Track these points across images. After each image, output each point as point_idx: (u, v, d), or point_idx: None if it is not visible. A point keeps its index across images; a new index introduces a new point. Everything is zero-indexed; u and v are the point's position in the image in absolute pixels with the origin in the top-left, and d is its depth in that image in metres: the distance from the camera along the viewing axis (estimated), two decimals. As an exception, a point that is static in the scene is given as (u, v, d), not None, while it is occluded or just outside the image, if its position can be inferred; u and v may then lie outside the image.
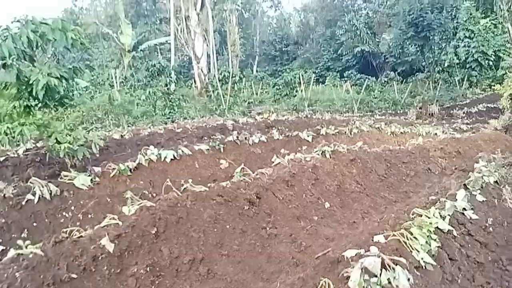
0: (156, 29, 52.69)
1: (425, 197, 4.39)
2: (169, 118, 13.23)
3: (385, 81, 25.14)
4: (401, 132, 10.03)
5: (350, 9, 48.64)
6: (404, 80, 28.83)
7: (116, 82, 18.38)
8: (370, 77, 30.58)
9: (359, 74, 36.01)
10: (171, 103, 13.66)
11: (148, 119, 12.10)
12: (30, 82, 4.80)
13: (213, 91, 15.28)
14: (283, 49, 54.46)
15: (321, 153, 5.76)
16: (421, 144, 7.76)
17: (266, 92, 24.45)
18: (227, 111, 14.01)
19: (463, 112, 19.17)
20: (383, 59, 37.86)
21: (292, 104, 17.21)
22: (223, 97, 14.44)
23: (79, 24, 44.14)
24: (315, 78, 44.81)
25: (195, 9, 20.73)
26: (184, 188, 4.21)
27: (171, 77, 13.90)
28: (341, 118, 12.85)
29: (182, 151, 5.78)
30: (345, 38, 41.91)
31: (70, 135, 5.03)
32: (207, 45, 22.01)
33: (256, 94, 22.42)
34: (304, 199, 4.76)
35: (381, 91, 23.11)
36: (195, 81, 22.12)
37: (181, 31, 21.13)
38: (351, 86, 21.54)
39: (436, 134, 8.85)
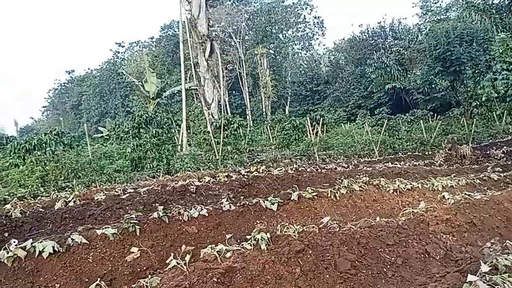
0: (191, 75, 53.68)
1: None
2: (157, 171, 12.07)
3: (411, 119, 23.05)
4: (409, 189, 8.14)
5: (379, 47, 47.25)
6: (437, 118, 26.54)
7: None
8: (403, 114, 28.61)
9: (387, 111, 34.06)
10: (159, 154, 12.55)
11: (126, 175, 10.95)
12: None
13: (210, 139, 14.07)
14: (314, 88, 53.80)
15: (254, 243, 4.15)
16: (420, 213, 5.91)
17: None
18: (220, 162, 12.66)
19: (502, 152, 16.75)
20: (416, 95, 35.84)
21: (299, 150, 15.64)
22: (216, 147, 13.15)
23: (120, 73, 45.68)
24: (345, 117, 43.47)
25: (204, 56, 20.09)
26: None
27: (161, 127, 12.88)
28: (345, 168, 11.08)
29: (73, 239, 4.36)
30: (375, 76, 40.45)
31: None
32: (217, 91, 21.14)
33: (269, 139, 20.99)
34: None
35: (408, 130, 21.05)
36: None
37: (189, 78, 20.49)
38: (372, 127, 19.70)
39: (444, 197, 6.92)
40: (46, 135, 14.34)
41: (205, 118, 20.44)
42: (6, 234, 5.44)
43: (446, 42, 21.25)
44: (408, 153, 17.65)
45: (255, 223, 5.80)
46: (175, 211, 5.28)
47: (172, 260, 3.64)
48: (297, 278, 3.91)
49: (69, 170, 10.16)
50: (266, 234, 4.23)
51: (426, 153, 17.80)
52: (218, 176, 9.52)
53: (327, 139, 18.85)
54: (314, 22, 60.16)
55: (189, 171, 12.12)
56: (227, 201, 5.87)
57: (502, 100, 25.78)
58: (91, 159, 10.74)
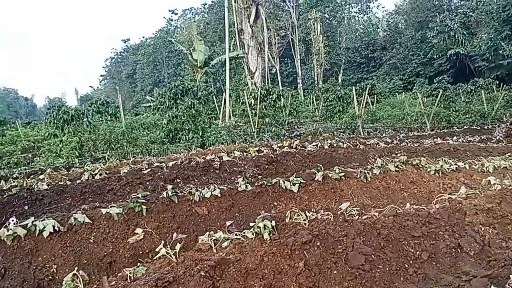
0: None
1: None
2: (192, 144, 12.00)
3: (471, 89, 21.05)
4: (453, 170, 7.33)
5: (443, 8, 43.56)
6: (503, 88, 24.08)
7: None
8: (463, 84, 26.42)
9: (448, 80, 31.63)
10: (195, 126, 12.44)
11: (159, 147, 10.95)
12: None
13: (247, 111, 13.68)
14: (369, 55, 51.40)
15: (257, 231, 3.81)
16: (458, 200, 5.24)
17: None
18: (256, 135, 12.30)
19: None
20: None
21: (341, 122, 14.87)
22: (252, 119, 12.74)
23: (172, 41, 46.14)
24: (402, 86, 41.07)
25: (249, 22, 19.44)
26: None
27: (198, 98, 12.70)
28: (387, 144, 10.30)
29: (75, 218, 4.28)
30: (436, 41, 37.54)
31: None
32: (261, 59, 20.53)
33: (314, 110, 20.18)
34: None
35: (467, 101, 19.29)
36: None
37: (236, 46, 20.02)
38: (426, 97, 18.27)
39: (489, 182, 6.08)
40: (90, 105, 14.72)
41: (249, 87, 20.04)
42: (26, 208, 5.55)
43: (518, 2, 18.87)
44: (465, 127, 16.22)
45: (272, 205, 5.46)
46: (186, 190, 5.05)
47: (161, 248, 3.40)
48: (299, 273, 3.54)
49: (103, 141, 10.33)
50: (271, 222, 3.86)
51: (486, 127, 16.26)
52: (249, 151, 9.24)
53: (375, 110, 17.75)
54: (372, -18, 56.55)
55: (223, 143, 11.93)
56: (243, 180, 5.54)
57: None
58: (124, 131, 10.83)
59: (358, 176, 6.30)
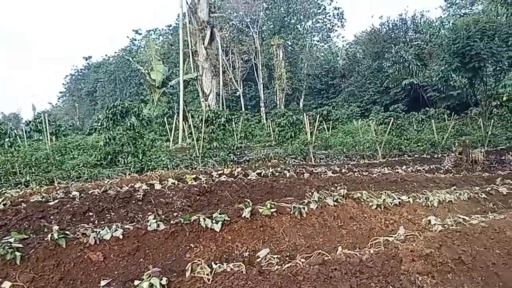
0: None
1: None
2: (131, 168, 11.07)
3: (423, 118, 21.39)
4: (397, 204, 6.87)
5: (399, 40, 45.18)
6: (453, 117, 24.71)
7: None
8: (416, 112, 27.02)
9: (403, 108, 32.40)
10: (135, 149, 11.55)
11: (90, 171, 9.95)
12: None
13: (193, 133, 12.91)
14: (329, 82, 52.41)
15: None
16: (395, 243, 4.70)
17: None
18: (201, 160, 11.55)
19: (519, 158, 15.19)
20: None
21: (293, 148, 14.42)
22: (196, 143, 12.01)
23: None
24: (359, 113, 41.79)
25: (203, 44, 18.93)
26: None
27: (140, 119, 11.85)
28: (334, 174, 9.83)
29: None
30: (392, 71, 38.72)
31: None
32: (216, 81, 19.98)
33: (267, 135, 19.73)
34: None
35: (419, 130, 19.49)
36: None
37: (186, 66, 19.38)
38: (379, 125, 18.26)
39: (429, 222, 5.64)
40: (27, 123, 13.55)
41: (202, 109, 19.36)
42: None
43: (466, 36, 19.45)
44: (416, 156, 16.20)
45: (188, 247, 4.70)
46: (80, 231, 4.21)
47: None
48: None
49: (22, 164, 9.24)
50: (160, 280, 3.10)
51: (436, 156, 16.30)
52: (186, 178, 8.48)
53: (328, 137, 17.49)
54: (334, 13, 58.16)
55: (164, 169, 11.11)
56: (154, 218, 4.76)
57: (524, 101, 23.91)
58: (48, 153, 9.77)
59: (292, 212, 5.68)
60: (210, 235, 4.94)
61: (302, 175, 8.90)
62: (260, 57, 50.92)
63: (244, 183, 7.69)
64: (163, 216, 5.09)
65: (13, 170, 9.19)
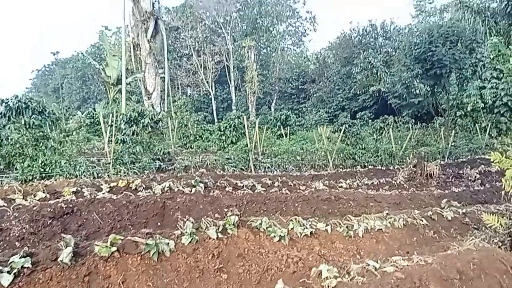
0: (176, 64, 50.79)
1: None
2: (29, 174, 9.25)
3: (381, 127, 20.28)
4: (307, 235, 5.35)
5: (368, 46, 44.52)
6: (414, 127, 23.70)
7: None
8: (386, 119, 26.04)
9: (370, 115, 31.50)
10: (36, 152, 9.73)
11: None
12: None
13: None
14: (300, 87, 51.42)
15: None
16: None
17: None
18: (112, 167, 9.82)
19: (478, 172, 14.10)
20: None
21: (234, 155, 12.87)
22: (108, 146, 10.29)
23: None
24: (327, 118, 40.76)
25: (146, 36, 17.17)
26: None
27: (45, 117, 10.04)
28: (260, 188, 8.31)
29: None
30: (360, 77, 37.83)
31: None
32: (161, 78, 18.23)
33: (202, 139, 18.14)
34: None
35: (376, 139, 18.31)
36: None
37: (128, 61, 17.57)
38: (334, 132, 16.97)
39: (320, 274, 4.14)
40: None
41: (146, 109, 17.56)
42: None
43: (428, 41, 18.47)
44: (370, 167, 14.91)
45: None
46: None
47: None
48: None
49: None
50: None
51: (392, 167, 15.05)
52: (63, 191, 6.79)
53: (278, 144, 16.02)
54: (306, 18, 57.31)
55: (68, 177, 9.35)
56: None
57: (489, 111, 23.08)
58: None
59: (145, 251, 4.07)
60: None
61: (209, 192, 7.32)
62: (232, 59, 49.58)
63: (124, 203, 6.04)
64: None
65: None
